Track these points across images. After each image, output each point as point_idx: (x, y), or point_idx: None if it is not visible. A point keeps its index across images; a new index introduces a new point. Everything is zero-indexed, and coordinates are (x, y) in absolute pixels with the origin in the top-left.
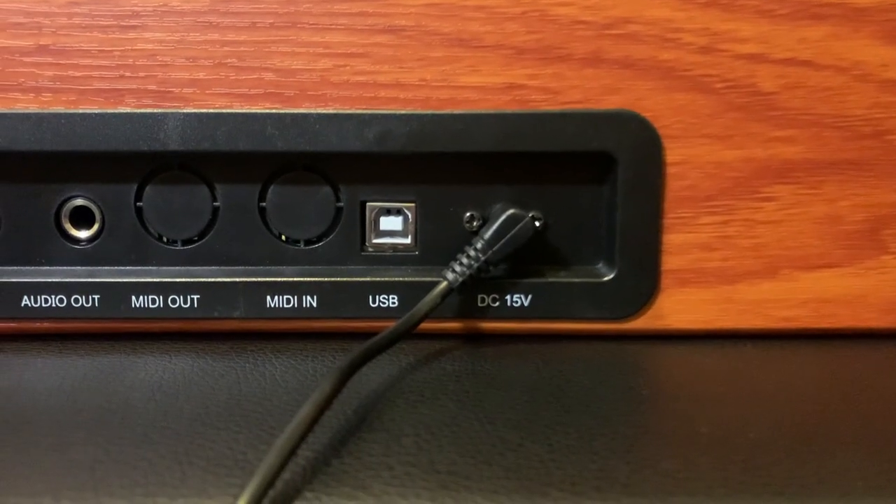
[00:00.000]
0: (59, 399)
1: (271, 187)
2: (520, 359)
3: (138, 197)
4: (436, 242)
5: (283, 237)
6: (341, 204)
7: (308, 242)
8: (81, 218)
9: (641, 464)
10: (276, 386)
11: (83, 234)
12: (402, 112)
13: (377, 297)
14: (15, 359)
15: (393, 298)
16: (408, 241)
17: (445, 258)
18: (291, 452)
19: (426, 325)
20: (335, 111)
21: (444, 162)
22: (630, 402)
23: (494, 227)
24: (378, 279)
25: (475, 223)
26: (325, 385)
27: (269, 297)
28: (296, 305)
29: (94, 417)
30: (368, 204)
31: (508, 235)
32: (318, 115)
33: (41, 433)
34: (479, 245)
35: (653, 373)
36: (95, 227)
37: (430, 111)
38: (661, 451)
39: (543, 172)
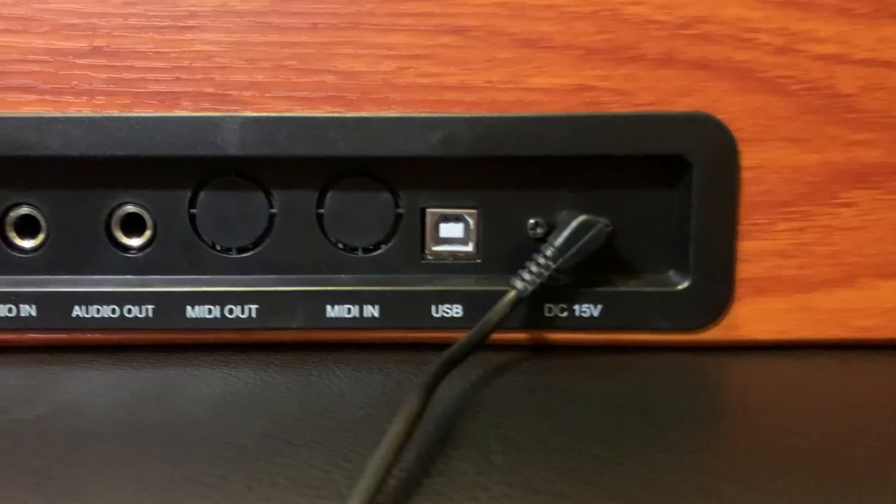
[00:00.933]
0: (121, 414)
1: (329, 193)
2: (592, 371)
3: (192, 204)
4: (498, 250)
5: (341, 245)
6: (401, 210)
7: (366, 250)
8: (132, 225)
9: (749, 483)
10: (345, 399)
11: (134, 241)
12: (468, 115)
13: (440, 306)
14: (68, 371)
15: (457, 308)
16: (469, 248)
17: (508, 266)
18: (387, 473)
19: (491, 337)
20: (399, 114)
21: (508, 167)
22: (717, 416)
23: (566, 233)
24: (441, 288)
25: (539, 230)
26: (413, 400)
27: (328, 307)
28: (356, 315)
29: (161, 433)
30: (428, 210)
31: (581, 242)
32: (382, 118)
33: (109, 450)
34: (549, 252)
35: (734, 385)
36: (147, 234)
37: (496, 114)
38: (765, 468)
39: (611, 177)
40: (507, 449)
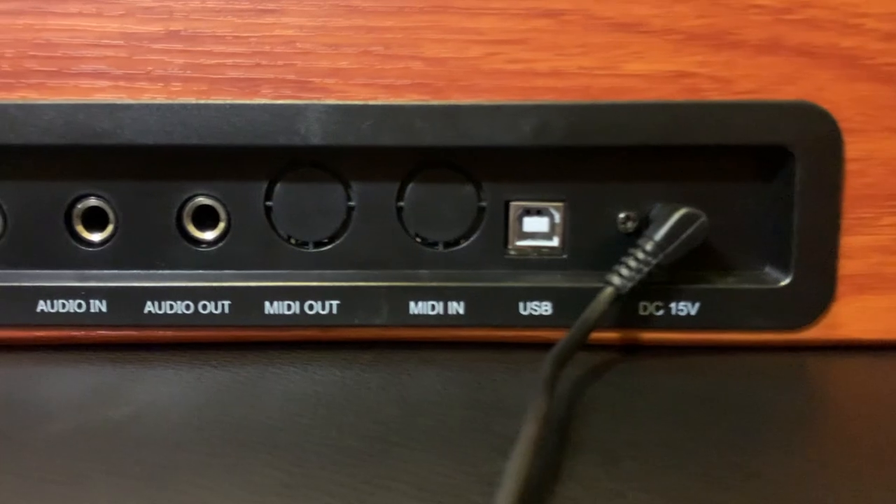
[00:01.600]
0: (212, 414)
1: (410, 185)
2: (696, 372)
3: (267, 196)
4: (585, 245)
5: (420, 239)
6: (484, 203)
7: (447, 244)
8: (205, 218)
9: None
10: (444, 399)
11: (207, 235)
12: (562, 103)
13: (528, 303)
14: (144, 370)
15: (546, 306)
16: (554, 243)
17: (596, 262)
18: (527, 478)
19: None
20: (490, 102)
21: (598, 157)
22: (840, 419)
23: (666, 227)
24: (530, 285)
25: (630, 224)
26: (540, 401)
27: (412, 303)
28: (441, 312)
29: (259, 435)
30: (512, 203)
31: (683, 237)
32: (472, 106)
33: (210, 453)
34: (648, 247)
35: (847, 386)
36: (220, 227)
37: (591, 101)
38: None
39: (707, 168)
40: (635, 454)
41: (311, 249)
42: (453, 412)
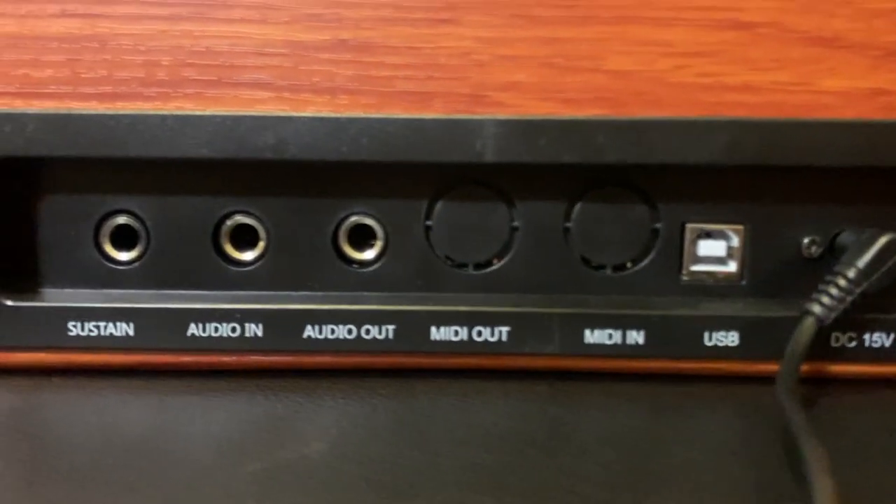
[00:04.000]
0: (411, 450)
1: (578, 205)
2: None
3: (427, 215)
4: (765, 271)
5: (588, 262)
6: (659, 225)
7: (616, 268)
8: (360, 238)
9: None
10: (669, 440)
11: (365, 255)
12: (754, 119)
13: (714, 333)
14: (310, 400)
15: (732, 336)
16: (731, 268)
17: (776, 289)
18: None
19: (760, 367)
20: (678, 118)
21: (783, 177)
22: None
23: (871, 253)
24: (714, 313)
25: (815, 249)
26: (819, 451)
27: (587, 331)
28: (618, 342)
29: (478, 475)
30: (688, 226)
31: (890, 264)
32: (660, 121)
33: (441, 499)
34: (851, 274)
35: None
36: (377, 247)
37: (784, 118)
38: None
39: None
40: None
41: (471, 271)
42: (675, 451)
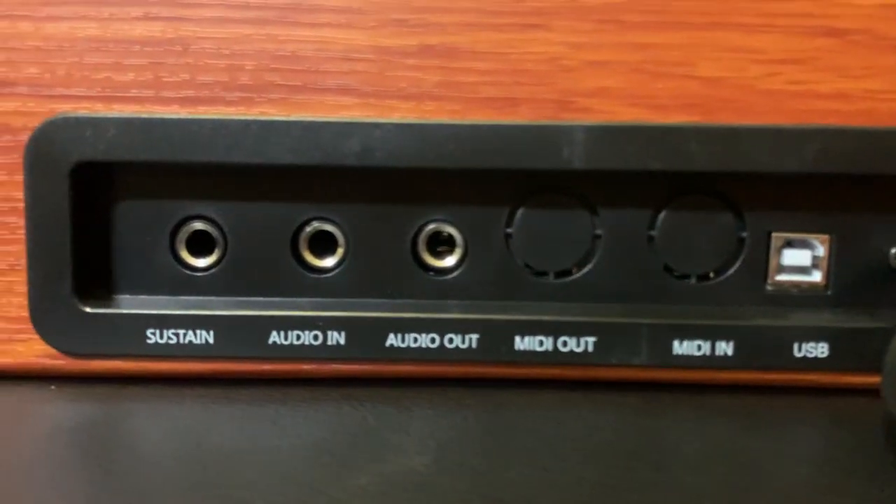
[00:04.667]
0: (521, 464)
1: (662, 213)
2: None
3: (508, 222)
4: (851, 281)
5: (672, 271)
6: (744, 234)
7: (700, 278)
8: (436, 245)
9: None
10: (765, 454)
11: (446, 262)
12: (847, 127)
13: (803, 344)
14: (397, 409)
15: (822, 347)
16: (816, 278)
17: (862, 300)
18: None
19: (850, 378)
20: (770, 126)
21: (872, 186)
22: None
23: None
24: (803, 324)
25: None
26: None
27: (675, 342)
28: (707, 353)
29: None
30: (774, 234)
31: None
32: (752, 129)
33: None
34: None
35: None
36: (456, 255)
37: (875, 127)
38: None
39: None
40: None
41: (552, 280)
42: (786, 465)
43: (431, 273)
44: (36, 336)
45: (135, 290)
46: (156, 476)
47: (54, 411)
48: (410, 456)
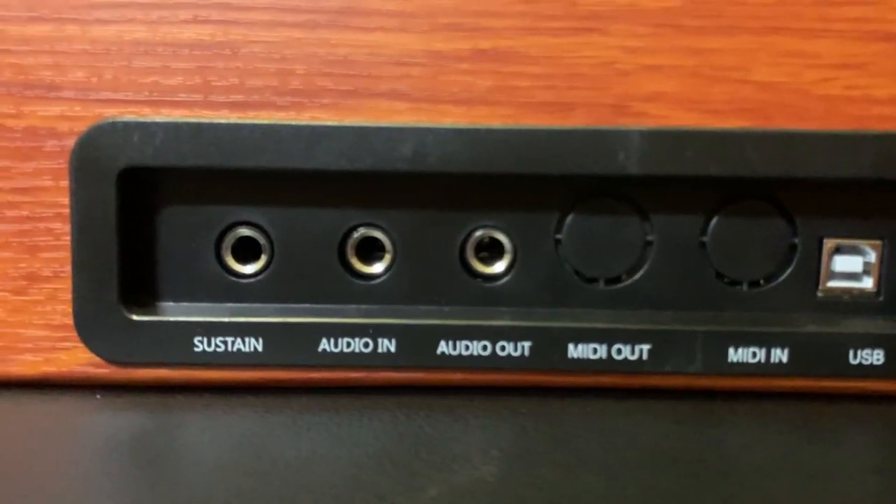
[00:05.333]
0: (578, 467)
1: (714, 219)
2: None
3: (558, 228)
4: None
5: (724, 277)
6: (797, 240)
7: (751, 284)
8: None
9: None
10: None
11: (495, 268)
12: None
13: (858, 351)
14: (451, 417)
15: (877, 354)
16: (867, 285)
17: None
18: None
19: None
20: (828, 131)
21: None
22: None
23: None
24: (858, 331)
25: None
26: None
27: (731, 350)
28: (763, 360)
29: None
30: (826, 241)
31: None
32: (807, 135)
33: None
34: None
35: None
36: (505, 261)
37: None
38: None
39: None
40: None
41: (602, 287)
42: (855, 476)
43: (479, 279)
44: (80, 344)
45: (178, 297)
46: (222, 488)
47: (105, 422)
48: (476, 466)
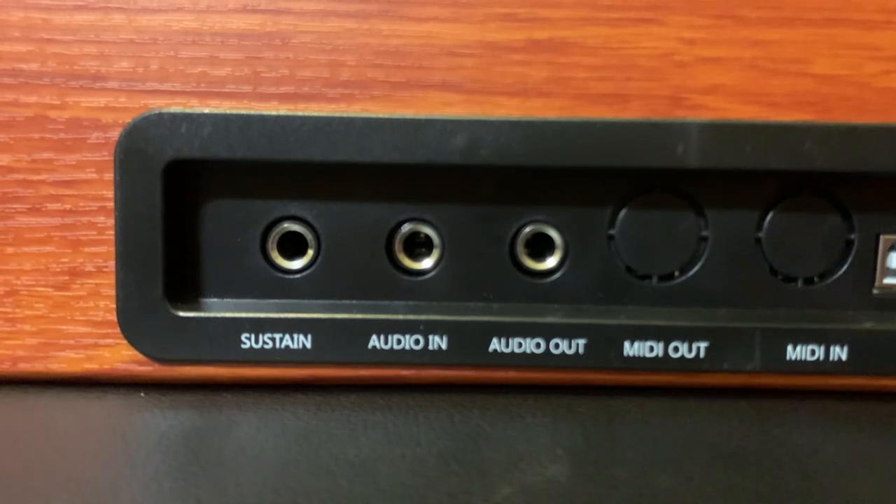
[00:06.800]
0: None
1: (770, 214)
2: None
3: (611, 223)
4: None
5: (780, 273)
6: (853, 236)
7: (806, 281)
8: (536, 247)
9: None
10: None
11: (546, 264)
12: None
13: None
14: (506, 415)
15: None
16: None
17: None
18: None
19: None
20: (887, 124)
21: None
22: None
23: None
24: None
25: None
26: None
27: (789, 347)
28: (821, 358)
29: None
30: (883, 237)
31: None
32: (868, 128)
33: None
34: None
35: None
36: (556, 257)
37: None
38: None
39: None
40: None
41: (655, 283)
42: None
43: (529, 276)
44: (123, 341)
45: (223, 293)
46: (289, 487)
47: (155, 421)
48: (545, 465)
